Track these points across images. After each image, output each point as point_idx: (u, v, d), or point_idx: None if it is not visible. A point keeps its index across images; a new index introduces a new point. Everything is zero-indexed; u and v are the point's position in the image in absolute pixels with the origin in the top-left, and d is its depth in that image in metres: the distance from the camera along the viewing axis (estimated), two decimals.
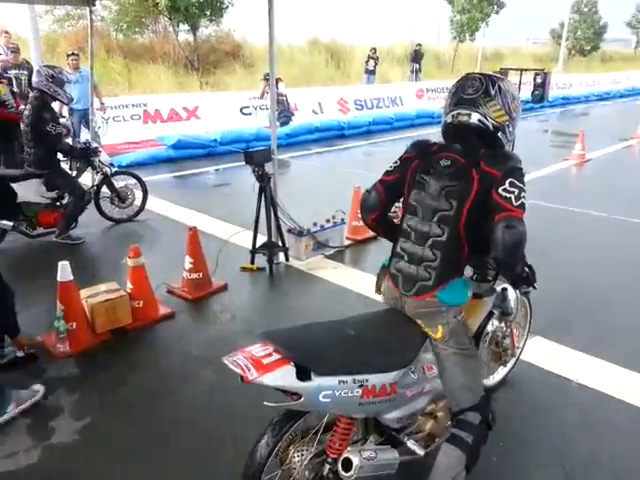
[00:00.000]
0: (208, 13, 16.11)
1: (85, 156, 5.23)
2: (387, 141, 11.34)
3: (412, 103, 15.25)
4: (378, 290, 2.15)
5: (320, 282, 4.23)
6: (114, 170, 5.64)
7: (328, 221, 4.91)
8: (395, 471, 1.91)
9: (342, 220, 4.97)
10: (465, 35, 25.75)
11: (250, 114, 11.45)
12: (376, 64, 18.21)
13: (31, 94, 5.06)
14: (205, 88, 15.07)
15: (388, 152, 10.30)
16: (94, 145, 5.41)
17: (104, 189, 5.51)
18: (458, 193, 1.81)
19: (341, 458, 1.78)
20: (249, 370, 1.56)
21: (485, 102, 1.84)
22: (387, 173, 2.13)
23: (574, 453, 2.39)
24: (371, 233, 3.88)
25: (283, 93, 11.27)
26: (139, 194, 5.77)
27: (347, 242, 5.05)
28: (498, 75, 1.94)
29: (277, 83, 11.15)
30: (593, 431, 2.53)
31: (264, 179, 4.34)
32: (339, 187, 6.80)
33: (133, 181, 5.78)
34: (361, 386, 1.70)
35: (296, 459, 1.79)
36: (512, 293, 2.20)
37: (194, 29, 16.88)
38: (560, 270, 4.32)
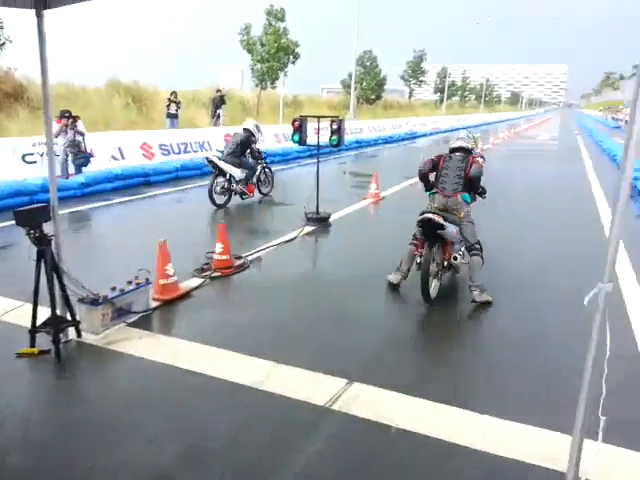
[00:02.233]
0: None
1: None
2: (197, 187, 10.95)
3: (221, 147, 15.16)
4: (426, 188, 5.25)
5: (123, 358, 3.61)
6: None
7: (130, 283, 4.32)
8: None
9: (147, 280, 4.42)
10: (266, 83, 26.98)
11: (35, 162, 10.01)
12: (178, 108, 17.83)
13: None
14: None
15: (199, 199, 9.91)
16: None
17: None
18: (464, 165, 4.93)
19: (452, 256, 4.82)
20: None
21: (468, 142, 5.27)
22: (430, 160, 5.10)
23: None
24: (182, 291, 4.78)
25: (83, 131, 10.20)
26: None
27: (154, 304, 4.49)
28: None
29: (75, 121, 10.08)
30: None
31: (42, 242, 3.61)
32: (143, 241, 6.20)
33: None
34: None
35: (437, 258, 4.69)
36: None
37: None
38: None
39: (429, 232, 4.56)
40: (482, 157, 5.28)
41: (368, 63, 42.13)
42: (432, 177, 5.13)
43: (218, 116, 20.32)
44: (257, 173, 9.51)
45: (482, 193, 5.17)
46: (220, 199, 8.71)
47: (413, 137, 29.16)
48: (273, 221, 7.91)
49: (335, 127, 7.50)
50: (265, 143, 17.42)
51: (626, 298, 4.76)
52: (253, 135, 9.24)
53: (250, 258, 5.85)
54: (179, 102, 17.95)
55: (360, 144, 22.44)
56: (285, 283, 5.16)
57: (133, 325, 4.13)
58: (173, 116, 17.69)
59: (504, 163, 16.44)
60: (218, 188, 8.73)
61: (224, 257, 5.37)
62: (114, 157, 11.62)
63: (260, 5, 26.65)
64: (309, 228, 7.31)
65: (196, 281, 5.08)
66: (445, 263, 4.87)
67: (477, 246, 4.87)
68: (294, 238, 6.80)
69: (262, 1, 26.62)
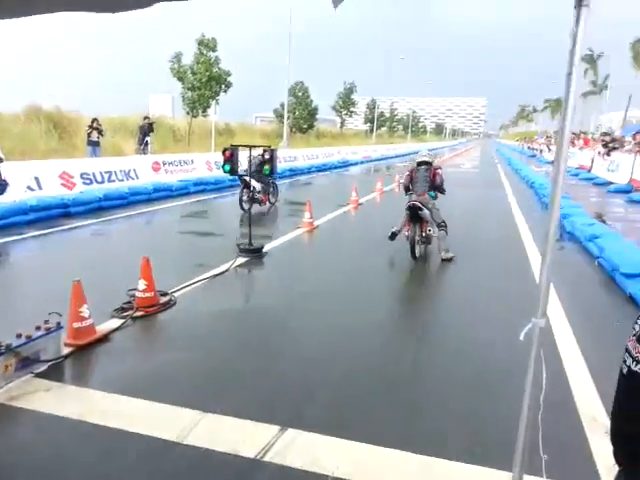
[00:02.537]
0: None
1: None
2: (122, 217, 10.41)
3: (148, 176, 14.64)
4: (406, 192, 7.66)
5: (26, 416, 3.19)
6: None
7: (39, 328, 3.89)
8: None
9: (58, 324, 4.00)
10: (198, 111, 26.64)
11: None
12: (100, 135, 17.15)
13: None
14: None
15: (124, 230, 9.41)
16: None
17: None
18: (429, 174, 7.42)
19: (427, 230, 7.43)
20: None
21: (429, 157, 7.82)
22: (408, 175, 7.58)
23: None
24: (99, 335, 4.37)
25: (1, 157, 9.42)
26: None
27: (67, 350, 4.07)
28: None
29: None
30: None
31: None
32: (56, 280, 5.70)
33: None
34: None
35: (418, 232, 7.23)
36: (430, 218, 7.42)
37: None
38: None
39: (413, 213, 7.18)
40: (440, 168, 7.75)
41: (300, 93, 42.98)
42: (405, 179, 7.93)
43: (146, 144, 19.73)
44: (269, 187, 12.19)
45: (443, 192, 7.73)
46: (246, 205, 10.72)
47: (346, 165, 29.69)
48: (204, 253, 7.59)
49: (267, 157, 7.42)
50: (197, 171, 17.05)
51: (556, 334, 4.78)
52: (272, 156, 11.06)
53: (177, 294, 5.51)
54: (101, 129, 17.28)
55: (294, 172, 22.53)
56: (215, 321, 4.87)
57: (41, 376, 3.70)
58: (95, 144, 16.98)
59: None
60: (245, 197, 11.10)
61: (148, 294, 5.01)
62: (30, 187, 10.84)
63: (191, 33, 26.52)
64: (242, 259, 7.07)
65: (116, 322, 4.69)
66: (423, 234, 7.49)
67: (443, 224, 7.50)
68: (226, 270, 6.53)
69: (194, 29, 26.50)
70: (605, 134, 27.18)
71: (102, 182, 12.83)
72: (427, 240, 7.63)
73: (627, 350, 1.31)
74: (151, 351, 4.32)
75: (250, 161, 8.70)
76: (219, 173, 16.64)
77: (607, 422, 3.12)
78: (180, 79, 26.05)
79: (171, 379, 3.69)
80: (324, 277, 6.50)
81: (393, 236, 7.51)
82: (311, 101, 43.29)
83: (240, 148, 7.65)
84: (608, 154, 20.80)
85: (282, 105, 37.69)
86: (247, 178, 10.63)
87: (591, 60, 66.39)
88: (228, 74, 26.57)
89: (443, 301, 5.82)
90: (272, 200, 12.40)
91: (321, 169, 25.59)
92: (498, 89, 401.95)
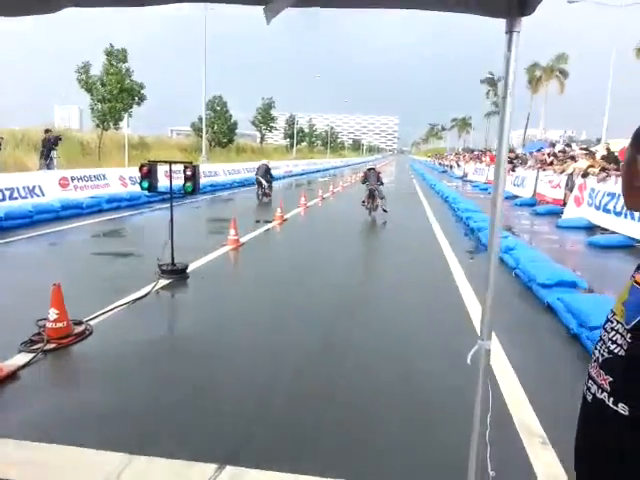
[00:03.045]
0: None
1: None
2: (26, 239, 9.55)
3: (55, 193, 13.61)
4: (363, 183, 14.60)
5: None
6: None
7: None
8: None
9: None
10: (109, 124, 25.39)
11: None
12: None
13: None
14: None
15: (30, 252, 8.60)
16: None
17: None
18: (376, 174, 14.33)
19: (377, 201, 14.25)
20: None
21: (374, 165, 15.98)
22: (363, 174, 14.48)
23: None
24: (5, 372, 3.86)
25: None
26: None
27: None
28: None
29: None
30: None
31: None
32: None
33: None
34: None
35: (372, 204, 14.27)
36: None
37: None
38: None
39: (372, 193, 13.84)
40: (380, 173, 14.51)
41: (218, 108, 42.47)
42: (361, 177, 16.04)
43: (51, 158, 18.42)
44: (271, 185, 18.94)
45: (382, 183, 14.22)
46: (263, 198, 18.07)
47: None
48: (122, 275, 7.09)
49: (189, 173, 7.05)
50: (110, 187, 16.13)
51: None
52: (269, 167, 18.98)
53: (93, 322, 5.08)
54: (0, 142, 15.94)
55: (215, 187, 22.07)
56: (135, 352, 4.50)
57: None
58: None
59: (355, 207, 17.30)
60: (260, 193, 18.25)
61: (60, 324, 4.56)
62: None
63: (102, 42, 25.30)
64: (164, 281, 6.69)
65: (24, 357, 4.21)
66: (375, 205, 13.89)
67: (383, 197, 13.87)
68: (147, 294, 6.13)
69: (104, 37, 25.29)
70: (510, 151, 29.58)
71: (3, 200, 11.74)
72: (375, 208, 14.04)
73: (590, 377, 1.30)
74: (66, 388, 3.91)
75: (258, 168, 18.57)
76: (134, 189, 15.88)
77: (542, 432, 3.23)
78: (89, 90, 24.73)
79: (91, 420, 3.34)
80: (251, 299, 6.31)
81: (363, 203, 14.20)
82: (230, 115, 42.93)
83: (159, 164, 7.30)
84: (513, 170, 22.37)
85: (200, 119, 36.95)
86: (260, 179, 18.20)
87: (492, 83, 72.34)
88: (142, 87, 25.64)
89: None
90: (270, 195, 18.57)
91: (243, 184, 25.26)
92: (408, 108, 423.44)
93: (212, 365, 4.27)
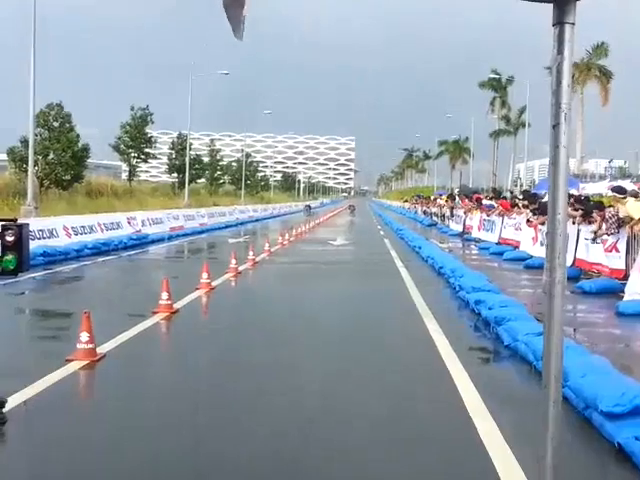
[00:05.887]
0: None
1: None
2: None
3: None
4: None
5: None
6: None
7: None
8: None
9: None
10: None
11: None
12: None
13: None
14: None
15: None
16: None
17: None
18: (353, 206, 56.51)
19: (353, 211, 51.23)
20: None
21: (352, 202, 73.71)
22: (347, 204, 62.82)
23: None
24: None
25: None
26: None
27: None
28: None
29: None
30: None
31: None
32: None
33: None
34: None
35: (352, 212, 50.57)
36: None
37: None
38: None
39: (351, 207, 51.19)
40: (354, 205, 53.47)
41: (56, 124, 27.47)
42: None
43: None
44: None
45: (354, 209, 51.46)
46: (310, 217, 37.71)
47: (143, 242, 18.12)
48: None
49: (10, 239, 3.81)
50: None
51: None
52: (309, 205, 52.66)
53: None
54: None
55: (51, 257, 12.77)
56: None
57: None
58: None
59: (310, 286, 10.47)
60: (306, 214, 43.16)
61: None
62: None
63: None
64: None
65: None
66: (353, 211, 49.33)
67: (355, 209, 50.94)
68: None
69: None
70: (525, 192, 21.83)
71: None
72: (354, 216, 44.74)
73: None
74: None
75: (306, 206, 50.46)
76: None
77: None
78: None
79: None
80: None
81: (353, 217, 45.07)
82: (77, 136, 28.09)
83: None
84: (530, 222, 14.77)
85: (25, 140, 23.00)
86: (310, 204, 52.88)
87: (499, 86, 46.36)
88: None
89: None
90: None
91: (100, 251, 15.04)
92: (369, 122, 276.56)
93: None
